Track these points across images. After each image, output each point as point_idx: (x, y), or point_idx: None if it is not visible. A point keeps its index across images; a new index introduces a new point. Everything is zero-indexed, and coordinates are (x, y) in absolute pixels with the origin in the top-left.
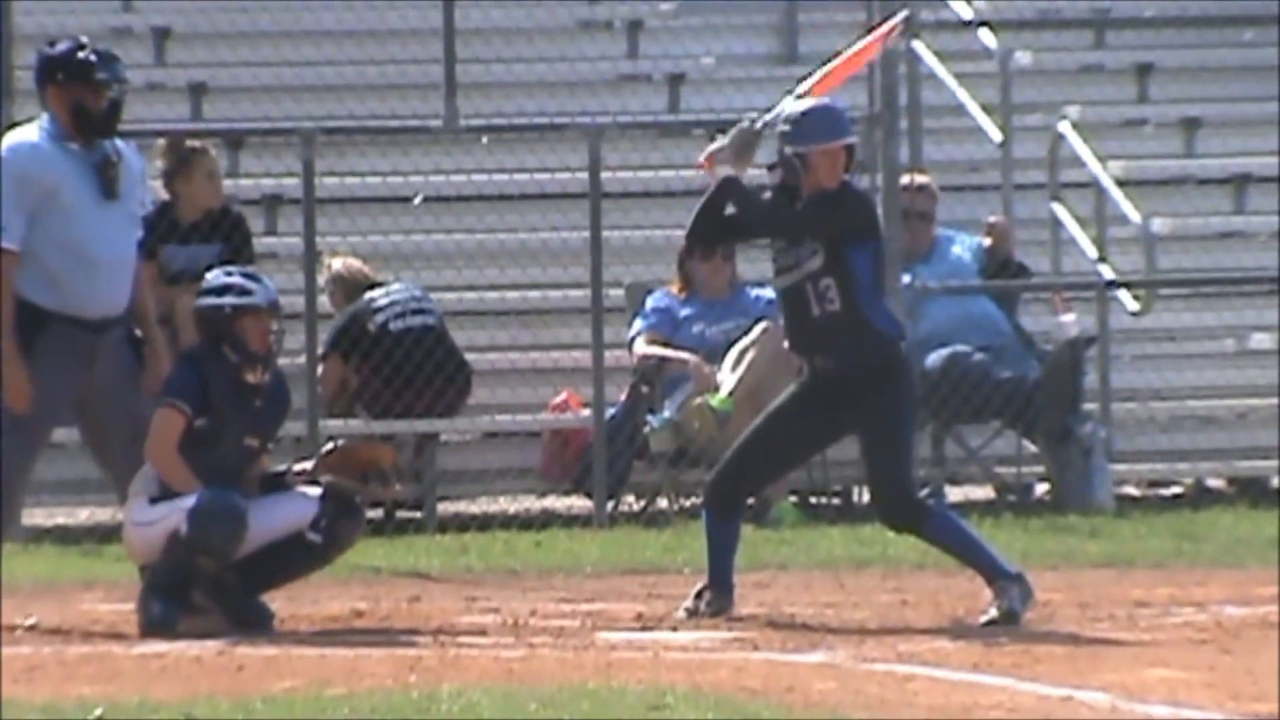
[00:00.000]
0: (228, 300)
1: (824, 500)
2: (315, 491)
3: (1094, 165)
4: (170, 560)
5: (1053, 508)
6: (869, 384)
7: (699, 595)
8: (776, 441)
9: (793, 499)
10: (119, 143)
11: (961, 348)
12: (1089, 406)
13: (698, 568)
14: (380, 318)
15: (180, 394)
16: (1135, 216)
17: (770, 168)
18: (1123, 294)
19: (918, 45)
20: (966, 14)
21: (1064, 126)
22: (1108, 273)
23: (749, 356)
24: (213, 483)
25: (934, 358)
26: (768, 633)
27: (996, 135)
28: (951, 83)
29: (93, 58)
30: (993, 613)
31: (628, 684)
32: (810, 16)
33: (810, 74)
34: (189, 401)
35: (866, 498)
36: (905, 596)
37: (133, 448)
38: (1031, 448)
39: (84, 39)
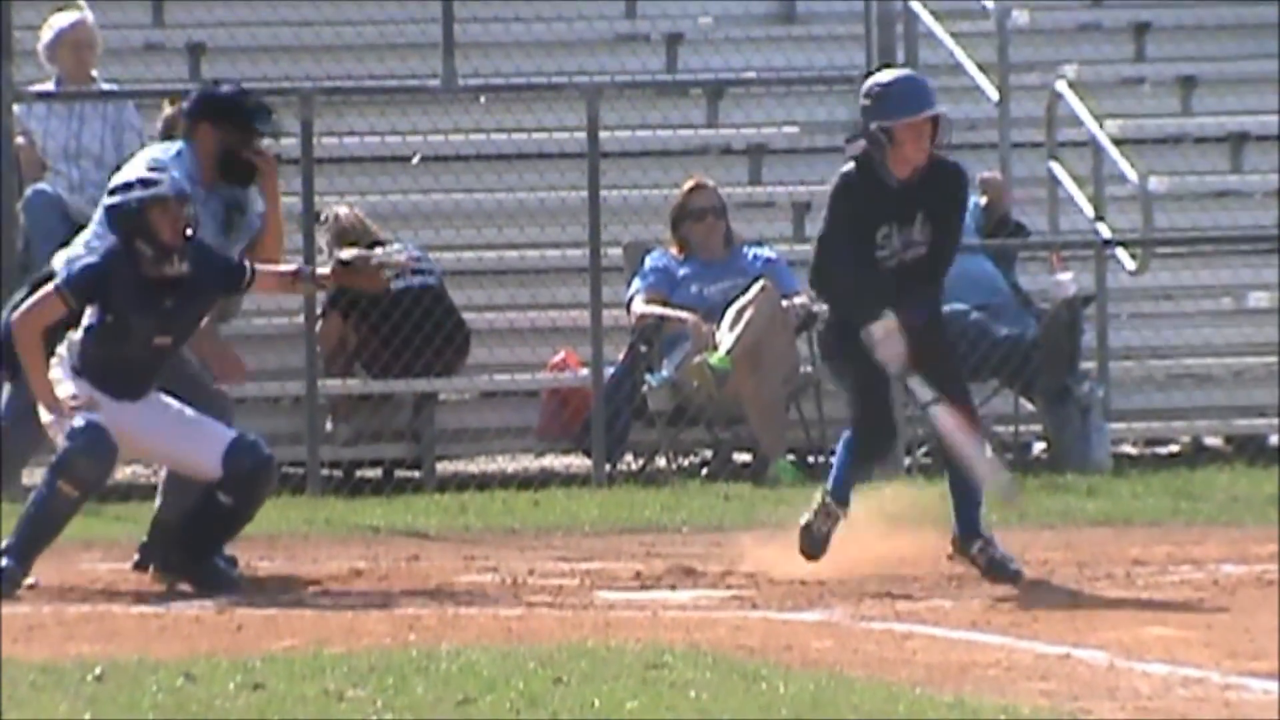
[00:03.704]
0: (134, 195)
1: (822, 459)
2: (227, 436)
3: (1091, 124)
4: (46, 497)
5: (1050, 466)
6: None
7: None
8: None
9: (791, 458)
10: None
11: (959, 306)
12: (1086, 365)
13: (696, 526)
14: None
15: (72, 283)
16: (1132, 175)
17: (849, 140)
18: (1120, 252)
19: (915, 4)
20: None
21: (1061, 85)
22: (1105, 231)
23: (747, 315)
24: (124, 379)
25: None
26: (766, 591)
27: (994, 94)
28: (949, 41)
29: (254, 108)
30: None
31: (626, 643)
32: None
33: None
34: (78, 293)
35: None
36: (903, 555)
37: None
38: (1029, 406)
39: (247, 87)
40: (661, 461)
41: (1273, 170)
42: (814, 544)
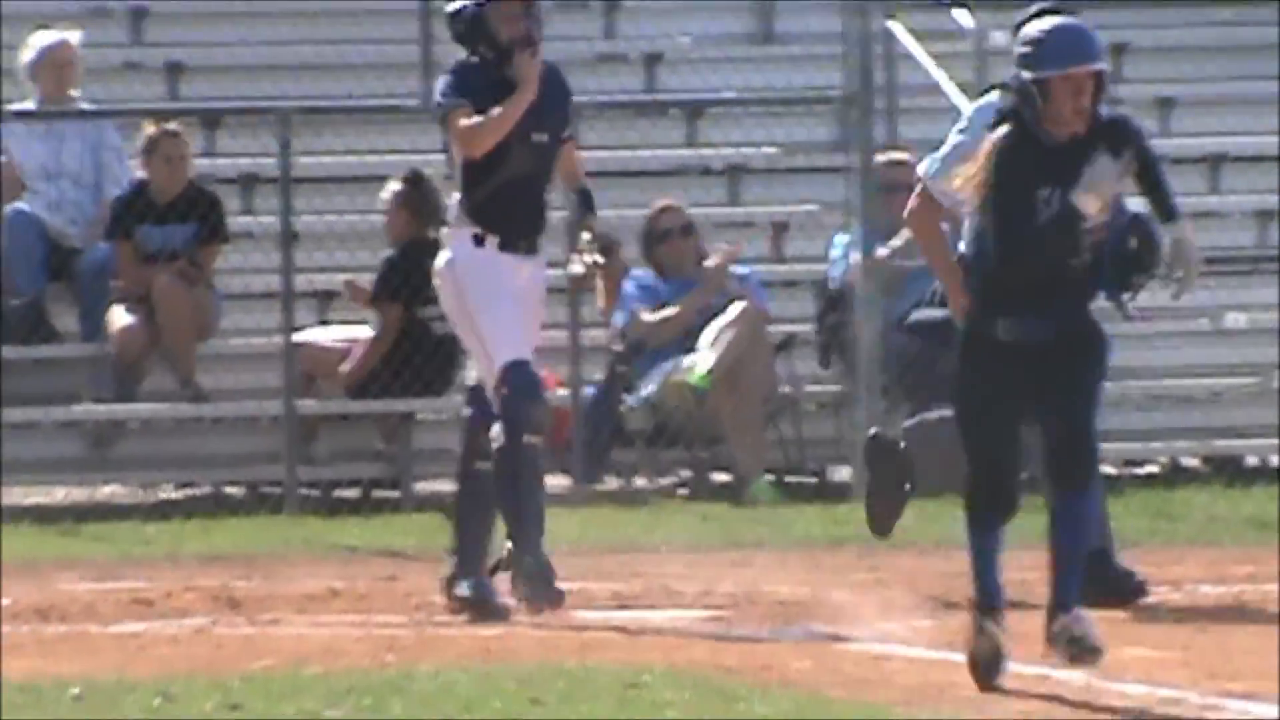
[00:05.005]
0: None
1: (800, 479)
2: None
3: None
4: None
5: (1029, 486)
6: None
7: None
8: None
9: (769, 478)
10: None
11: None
12: None
13: (675, 546)
14: None
15: (454, 96)
16: None
17: (1001, 87)
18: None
19: (893, 25)
20: None
21: None
22: None
23: (728, 335)
24: (519, 214)
25: (911, 336)
26: (745, 611)
27: None
28: (927, 62)
29: None
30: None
31: (605, 663)
32: None
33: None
34: (462, 98)
35: (843, 476)
36: (881, 575)
37: None
38: None
39: None
40: (640, 481)
41: (1251, 191)
42: (987, 673)
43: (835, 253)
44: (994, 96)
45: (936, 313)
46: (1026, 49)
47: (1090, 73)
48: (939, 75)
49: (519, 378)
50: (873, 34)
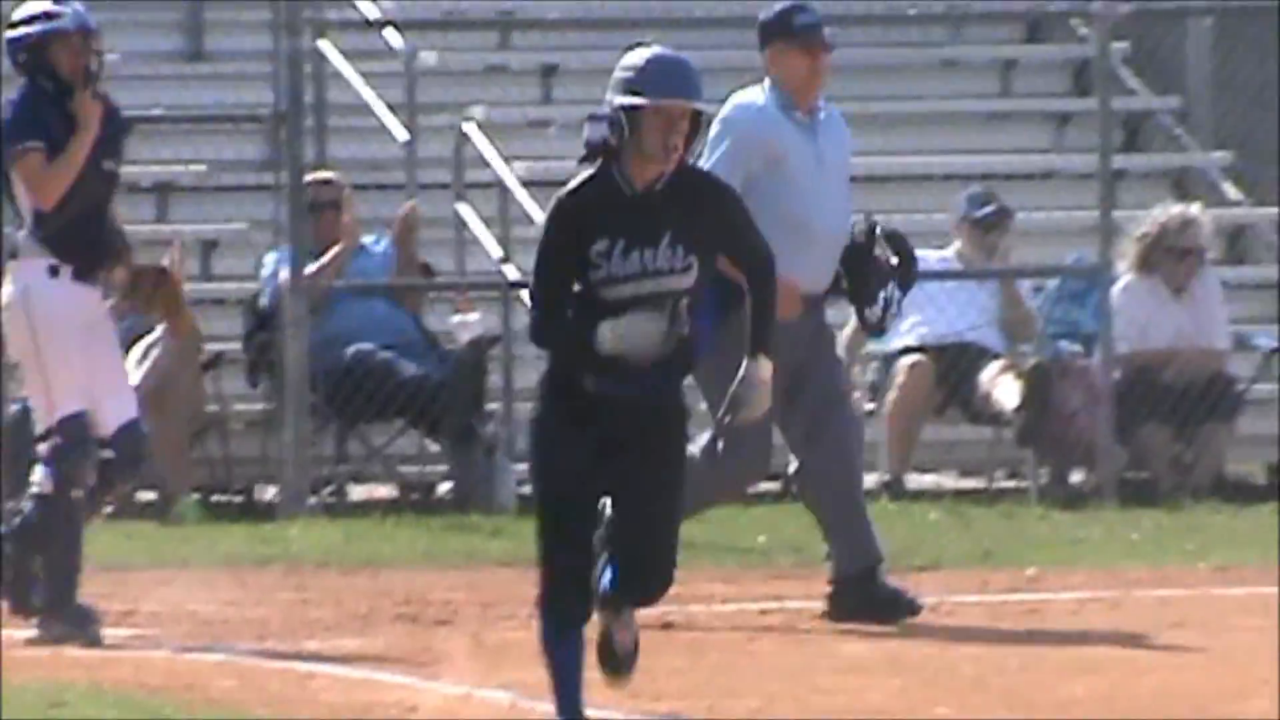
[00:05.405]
0: (33, 29)
1: (226, 498)
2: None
3: (499, 165)
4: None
5: (455, 506)
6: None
7: None
8: None
9: (195, 496)
10: (832, 109)
11: (366, 346)
12: (492, 406)
13: (99, 565)
14: None
15: (26, 135)
16: (539, 217)
17: (592, 117)
18: (526, 294)
19: (324, 44)
20: (372, 13)
21: (469, 127)
22: (512, 273)
23: (154, 354)
24: (87, 217)
25: (338, 355)
26: (169, 630)
27: (402, 134)
28: (357, 81)
29: (809, 19)
30: None
31: (27, 682)
32: (216, 14)
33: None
34: (35, 138)
35: (270, 495)
36: (307, 595)
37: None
38: (435, 447)
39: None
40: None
41: None
42: None
43: (265, 271)
44: (741, 98)
45: None
46: (625, 74)
47: (685, 110)
48: (369, 95)
49: (76, 430)
50: (304, 53)
